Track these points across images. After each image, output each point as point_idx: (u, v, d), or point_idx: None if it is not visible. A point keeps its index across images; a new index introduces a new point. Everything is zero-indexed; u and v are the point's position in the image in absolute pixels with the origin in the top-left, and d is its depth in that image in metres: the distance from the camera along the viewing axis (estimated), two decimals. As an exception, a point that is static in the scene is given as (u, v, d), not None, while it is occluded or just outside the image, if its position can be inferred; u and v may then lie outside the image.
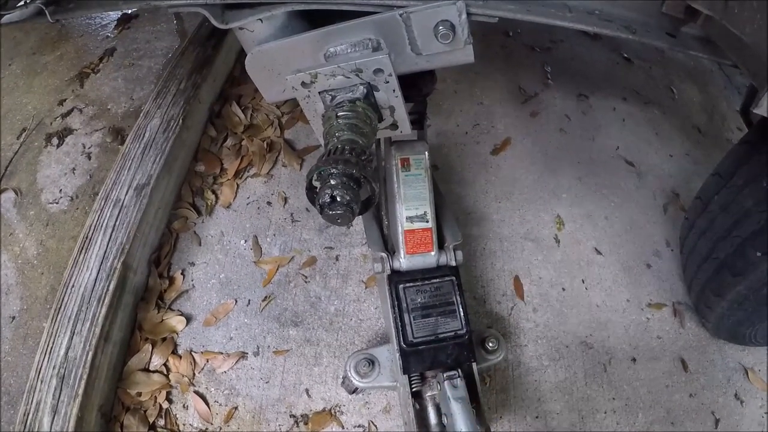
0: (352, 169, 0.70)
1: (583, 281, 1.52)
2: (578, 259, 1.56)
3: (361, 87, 0.80)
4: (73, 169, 1.67)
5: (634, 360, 1.41)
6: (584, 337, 1.43)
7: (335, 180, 0.69)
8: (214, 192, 1.62)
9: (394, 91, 0.81)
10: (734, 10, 0.75)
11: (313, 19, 0.84)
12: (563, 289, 1.50)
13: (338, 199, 0.69)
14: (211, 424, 1.26)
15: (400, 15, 0.76)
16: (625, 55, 2.21)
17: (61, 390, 1.13)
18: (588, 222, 1.63)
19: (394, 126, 0.87)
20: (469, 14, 0.76)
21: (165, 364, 1.32)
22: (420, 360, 1.04)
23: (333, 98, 0.81)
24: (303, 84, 0.80)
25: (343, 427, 1.26)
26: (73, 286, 1.27)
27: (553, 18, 0.81)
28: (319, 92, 0.81)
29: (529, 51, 2.15)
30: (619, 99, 2.02)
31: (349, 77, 0.79)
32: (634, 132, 1.91)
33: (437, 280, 1.10)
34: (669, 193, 1.75)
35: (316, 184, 0.72)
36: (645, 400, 1.36)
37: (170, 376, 1.31)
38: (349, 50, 0.80)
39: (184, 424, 1.26)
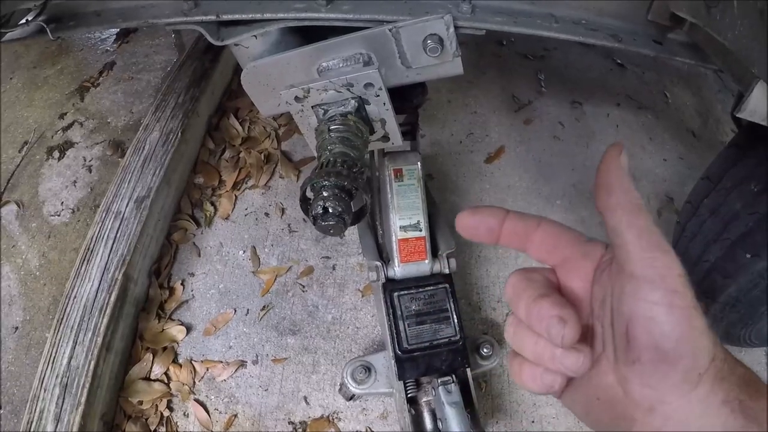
0: (344, 182, 0.72)
1: (578, 286, 1.53)
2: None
3: (353, 101, 0.81)
4: (74, 181, 1.70)
5: (629, 363, 1.42)
6: (580, 342, 1.44)
7: (327, 192, 0.71)
8: (212, 204, 1.64)
9: (384, 104, 0.82)
10: (716, 17, 0.77)
11: (307, 35, 0.86)
12: (558, 295, 1.52)
13: (330, 210, 0.70)
14: (212, 431, 1.27)
15: (390, 30, 0.78)
16: (618, 61, 2.23)
17: (63, 399, 1.15)
18: (582, 228, 1.62)
19: (385, 138, 0.89)
20: (456, 27, 0.78)
21: (166, 373, 1.34)
22: (415, 366, 1.05)
23: (325, 112, 0.83)
24: (296, 98, 0.82)
25: (341, 434, 1.28)
26: (75, 296, 1.28)
27: (540, 29, 0.83)
28: (312, 106, 0.83)
29: (522, 59, 2.17)
30: (613, 105, 2.04)
31: (340, 91, 0.81)
32: (628, 137, 1.93)
33: (431, 287, 1.11)
34: (663, 197, 1.77)
35: (310, 195, 0.74)
36: (640, 403, 1.37)
37: (171, 385, 1.32)
38: (340, 65, 0.82)
39: (184, 432, 1.27)
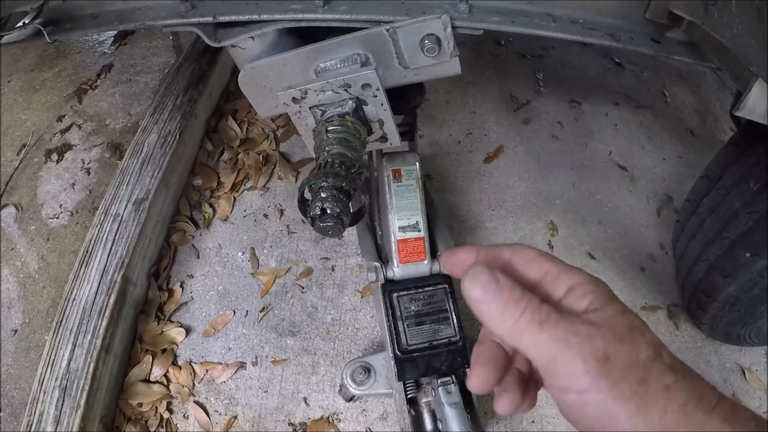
0: (342, 182, 0.71)
1: (577, 286, 1.53)
2: (572, 264, 1.57)
3: (350, 102, 0.81)
4: (73, 184, 1.70)
5: (629, 363, 1.42)
6: (579, 341, 1.44)
7: (326, 193, 0.71)
8: (211, 205, 1.64)
9: (382, 104, 0.82)
10: (714, 15, 0.77)
11: (304, 36, 0.86)
12: (558, 294, 1.51)
13: (328, 211, 0.70)
14: (212, 433, 1.27)
15: (387, 30, 0.77)
16: (617, 60, 2.23)
17: (63, 401, 1.15)
18: (581, 227, 1.64)
19: (383, 139, 0.89)
20: (454, 27, 0.78)
21: (165, 375, 1.34)
22: (414, 367, 1.05)
23: (323, 113, 0.83)
24: (294, 100, 0.82)
25: (341, 435, 1.28)
26: (74, 299, 1.28)
27: (538, 28, 0.83)
28: (310, 107, 0.83)
29: (520, 59, 2.17)
30: (611, 104, 2.04)
31: (338, 92, 0.80)
32: (627, 136, 1.93)
33: (430, 288, 1.11)
34: (662, 196, 1.77)
35: (308, 196, 0.74)
36: (641, 403, 1.36)
37: (170, 387, 1.32)
38: (338, 66, 0.82)
39: (184, 435, 1.27)
